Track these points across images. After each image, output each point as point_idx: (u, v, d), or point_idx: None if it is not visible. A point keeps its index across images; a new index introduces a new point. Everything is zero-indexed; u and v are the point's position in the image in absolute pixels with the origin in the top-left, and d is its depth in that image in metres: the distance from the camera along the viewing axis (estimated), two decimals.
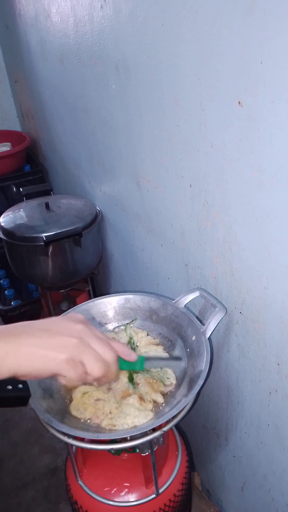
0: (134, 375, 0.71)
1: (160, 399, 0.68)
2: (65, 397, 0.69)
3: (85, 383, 0.59)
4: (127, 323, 0.83)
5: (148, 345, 0.79)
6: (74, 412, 0.66)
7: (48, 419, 0.60)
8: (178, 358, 0.74)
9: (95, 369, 0.51)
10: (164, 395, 0.69)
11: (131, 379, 0.71)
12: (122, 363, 0.58)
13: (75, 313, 0.58)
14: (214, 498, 1.15)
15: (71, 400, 0.69)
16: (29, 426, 1.46)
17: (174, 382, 0.71)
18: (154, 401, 0.68)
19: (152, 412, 0.66)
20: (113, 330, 0.83)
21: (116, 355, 0.55)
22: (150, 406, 0.67)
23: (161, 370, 0.73)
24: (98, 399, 0.67)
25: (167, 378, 0.71)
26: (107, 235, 1.33)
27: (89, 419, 0.65)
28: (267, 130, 0.53)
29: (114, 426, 0.64)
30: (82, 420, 0.65)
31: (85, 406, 0.66)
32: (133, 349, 0.78)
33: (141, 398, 0.67)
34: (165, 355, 0.77)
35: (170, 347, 0.79)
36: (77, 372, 0.50)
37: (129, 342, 0.79)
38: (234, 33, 0.52)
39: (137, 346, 0.79)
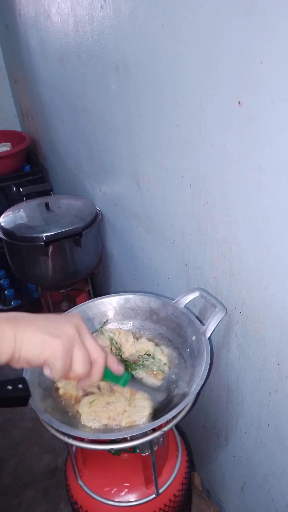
0: (133, 372, 0.72)
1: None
2: (75, 413, 0.68)
3: (67, 378, 0.57)
4: (100, 327, 0.83)
5: (136, 343, 0.79)
6: (89, 424, 0.65)
7: (48, 419, 0.60)
8: (158, 391, 0.71)
9: (79, 367, 0.51)
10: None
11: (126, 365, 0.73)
12: (106, 373, 0.57)
13: (74, 312, 0.58)
14: (214, 498, 1.15)
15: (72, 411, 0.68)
16: (29, 426, 1.46)
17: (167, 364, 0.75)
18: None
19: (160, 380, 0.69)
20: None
21: (105, 360, 0.54)
22: (161, 376, 0.70)
23: (155, 360, 0.75)
24: (108, 403, 0.67)
25: (164, 364, 0.75)
26: (107, 235, 1.33)
27: (106, 424, 0.65)
28: (267, 130, 0.53)
29: (134, 421, 0.64)
30: (100, 428, 0.65)
31: (97, 413, 0.66)
32: (118, 348, 0.78)
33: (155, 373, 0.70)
34: (158, 349, 0.78)
35: (169, 347, 0.79)
36: (65, 366, 0.49)
37: (111, 343, 0.79)
38: (234, 33, 0.52)
39: (120, 345, 0.79)
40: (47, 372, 0.50)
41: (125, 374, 0.61)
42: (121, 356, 0.76)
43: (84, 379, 0.54)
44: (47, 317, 0.51)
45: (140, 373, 0.73)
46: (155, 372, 0.73)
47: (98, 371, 0.54)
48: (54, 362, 0.48)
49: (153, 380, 0.72)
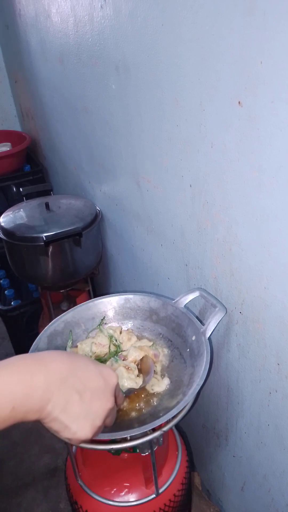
0: (124, 352, 0.76)
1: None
2: None
3: None
4: (98, 325, 0.83)
5: (137, 343, 0.80)
6: None
7: None
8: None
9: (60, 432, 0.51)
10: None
11: (114, 354, 0.75)
12: None
13: (112, 376, 0.53)
14: (214, 498, 1.15)
15: None
16: (29, 426, 1.45)
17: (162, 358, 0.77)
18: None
19: (140, 378, 0.70)
20: (88, 335, 0.83)
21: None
22: (136, 372, 0.71)
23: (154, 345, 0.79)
24: None
25: (153, 344, 0.78)
26: (107, 235, 1.33)
27: None
28: (267, 130, 0.53)
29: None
30: None
31: None
32: (117, 346, 0.79)
33: (128, 368, 0.71)
34: (148, 343, 0.79)
35: (170, 347, 0.79)
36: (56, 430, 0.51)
37: (110, 340, 0.79)
38: (234, 33, 0.52)
39: (120, 343, 0.79)
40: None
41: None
42: (117, 352, 0.78)
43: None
44: (81, 391, 0.49)
45: (127, 349, 0.75)
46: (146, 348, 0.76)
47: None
48: (53, 426, 0.51)
49: (138, 351, 0.74)
